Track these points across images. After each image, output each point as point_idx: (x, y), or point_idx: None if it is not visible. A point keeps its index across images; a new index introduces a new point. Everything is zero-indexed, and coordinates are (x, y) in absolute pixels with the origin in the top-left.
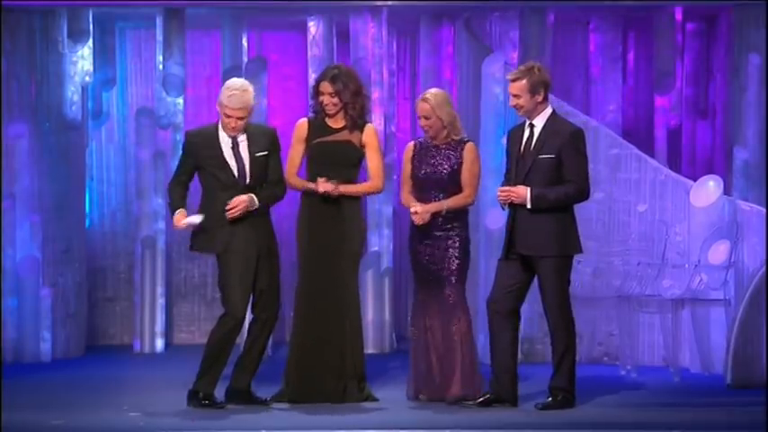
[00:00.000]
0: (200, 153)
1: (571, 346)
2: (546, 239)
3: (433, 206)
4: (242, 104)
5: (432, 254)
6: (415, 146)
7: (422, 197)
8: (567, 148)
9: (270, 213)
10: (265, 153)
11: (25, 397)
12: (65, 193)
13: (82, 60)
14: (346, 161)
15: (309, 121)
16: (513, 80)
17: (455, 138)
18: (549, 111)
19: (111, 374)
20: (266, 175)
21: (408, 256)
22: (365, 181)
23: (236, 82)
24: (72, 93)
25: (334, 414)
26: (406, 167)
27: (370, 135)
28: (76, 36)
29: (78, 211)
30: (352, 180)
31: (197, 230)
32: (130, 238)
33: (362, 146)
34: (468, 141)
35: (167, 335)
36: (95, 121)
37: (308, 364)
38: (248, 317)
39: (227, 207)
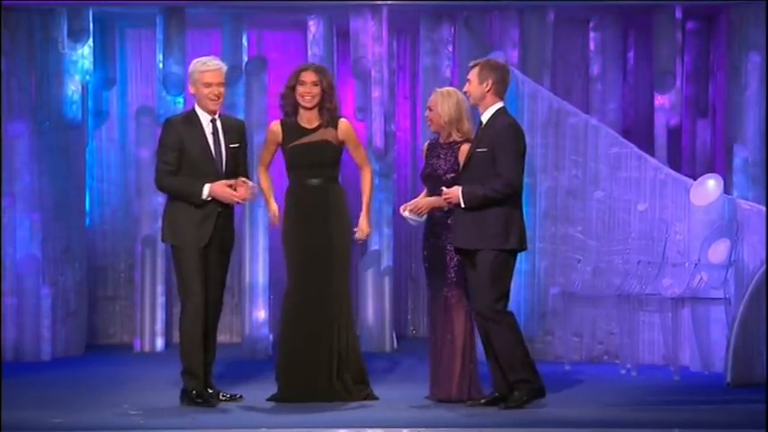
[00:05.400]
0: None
1: (517, 340)
2: (481, 233)
3: (427, 202)
4: (219, 67)
5: (431, 254)
6: (428, 144)
7: (429, 197)
8: (499, 141)
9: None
10: (237, 145)
11: (25, 396)
12: (65, 192)
13: (82, 60)
14: (326, 161)
15: (282, 124)
16: (471, 67)
17: (457, 139)
18: (497, 106)
19: (111, 373)
20: (237, 168)
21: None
22: (344, 177)
23: (204, 57)
24: (72, 92)
25: (334, 413)
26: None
27: (348, 130)
28: (76, 35)
29: (78, 210)
30: (334, 177)
31: None
32: (131, 238)
33: (340, 143)
34: (463, 142)
35: (167, 334)
36: (95, 121)
37: (300, 364)
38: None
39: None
